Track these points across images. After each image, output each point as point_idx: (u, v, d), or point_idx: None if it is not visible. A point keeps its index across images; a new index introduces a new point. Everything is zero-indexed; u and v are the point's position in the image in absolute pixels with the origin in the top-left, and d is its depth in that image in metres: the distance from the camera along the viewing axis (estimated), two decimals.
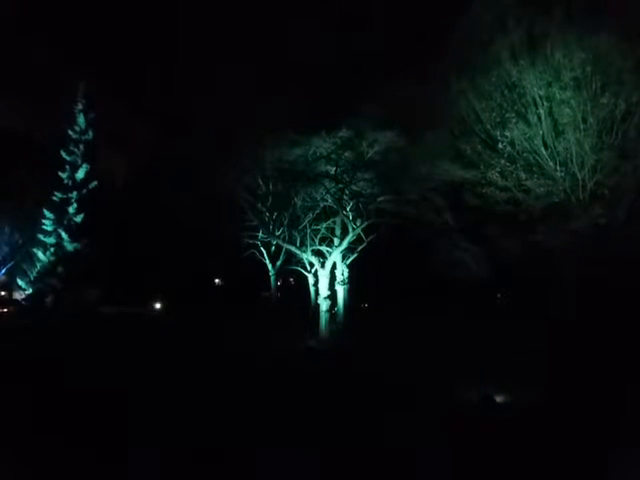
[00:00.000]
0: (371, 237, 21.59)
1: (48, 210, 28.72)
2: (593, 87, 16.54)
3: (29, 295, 28.75)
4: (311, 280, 24.08)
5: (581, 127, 16.83)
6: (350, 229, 20.78)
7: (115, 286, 30.81)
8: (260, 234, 24.74)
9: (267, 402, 9.95)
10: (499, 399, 11.03)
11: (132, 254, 31.28)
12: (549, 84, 16.97)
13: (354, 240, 21.47)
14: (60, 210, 29.15)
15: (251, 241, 25.77)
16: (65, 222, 29.11)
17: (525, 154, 17.84)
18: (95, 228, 29.05)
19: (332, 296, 21.89)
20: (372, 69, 24.34)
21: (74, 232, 29.04)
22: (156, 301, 33.48)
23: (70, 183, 29.70)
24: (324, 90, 22.96)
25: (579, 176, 17.19)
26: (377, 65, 25.16)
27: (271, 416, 8.92)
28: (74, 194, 29.45)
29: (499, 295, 26.28)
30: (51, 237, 28.82)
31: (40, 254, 28.56)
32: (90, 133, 30.48)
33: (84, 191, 29.78)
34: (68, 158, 29.76)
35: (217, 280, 39.08)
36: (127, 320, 25.49)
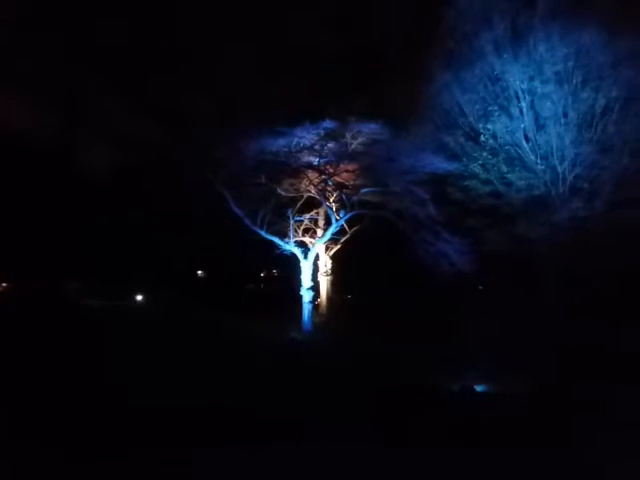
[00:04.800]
0: (354, 229, 21.61)
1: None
2: (574, 82, 16.80)
3: (8, 288, 28.19)
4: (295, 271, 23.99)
5: (562, 121, 17.09)
6: (333, 220, 20.75)
7: (96, 279, 30.38)
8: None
9: (246, 393, 9.92)
10: (479, 388, 11.21)
11: (114, 246, 30.79)
12: (531, 78, 17.17)
13: (337, 231, 21.47)
14: None
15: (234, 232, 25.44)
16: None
17: (507, 147, 18.06)
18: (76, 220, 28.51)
19: (315, 287, 21.91)
20: (357, 62, 24.28)
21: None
22: (138, 293, 33.08)
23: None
24: (309, 83, 22.82)
25: (559, 169, 17.49)
26: (362, 58, 25.11)
27: (251, 409, 8.89)
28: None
29: (480, 287, 26.59)
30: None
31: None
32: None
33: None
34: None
35: (200, 272, 38.77)
36: (108, 313, 25.15)
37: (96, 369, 11.75)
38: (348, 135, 20.30)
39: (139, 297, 33.15)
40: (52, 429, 7.47)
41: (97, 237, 29.86)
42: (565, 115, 17.07)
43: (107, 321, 22.04)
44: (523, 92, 17.42)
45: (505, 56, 17.38)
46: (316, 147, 20.44)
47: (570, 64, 16.62)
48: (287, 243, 21.06)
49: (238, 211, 20.63)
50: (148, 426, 7.65)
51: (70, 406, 8.63)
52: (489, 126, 18.08)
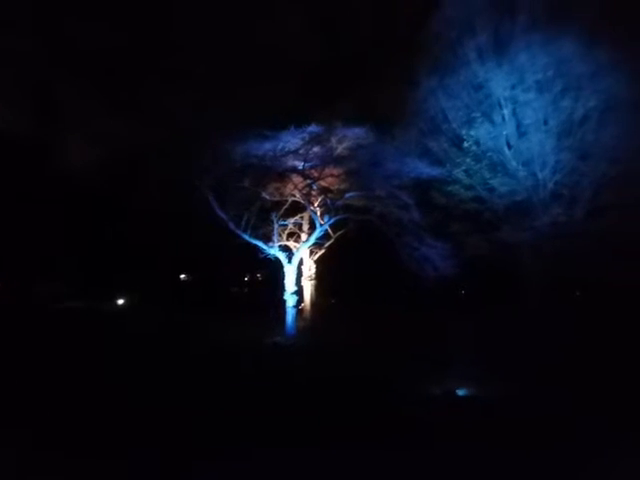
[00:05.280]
0: (339, 233, 21.64)
1: None
2: (554, 91, 17.15)
3: None
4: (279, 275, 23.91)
5: (542, 129, 17.43)
6: (317, 225, 20.74)
7: (77, 280, 29.92)
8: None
9: (228, 397, 9.83)
10: (461, 393, 11.27)
11: (95, 248, 30.37)
12: (513, 86, 17.49)
13: (322, 236, 21.46)
14: None
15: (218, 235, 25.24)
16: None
17: (489, 153, 18.34)
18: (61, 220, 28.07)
19: (299, 292, 21.85)
20: (342, 67, 24.40)
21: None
22: (119, 297, 32.59)
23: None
24: (295, 87, 22.83)
25: (540, 176, 17.81)
26: (347, 63, 25.25)
27: (233, 412, 8.82)
28: None
29: (463, 291, 26.87)
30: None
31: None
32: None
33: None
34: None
35: (183, 275, 38.41)
36: (87, 316, 24.77)
37: (71, 373, 11.55)
38: (333, 139, 20.33)
39: (120, 300, 32.68)
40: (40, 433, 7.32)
41: (79, 238, 29.41)
42: (546, 123, 17.41)
43: (85, 325, 21.68)
44: (505, 100, 17.72)
45: (488, 64, 17.68)
46: (301, 151, 20.39)
47: (550, 73, 16.97)
48: (271, 247, 20.97)
49: (222, 214, 20.49)
50: (122, 432, 7.53)
51: (53, 409, 8.47)
52: (472, 132, 18.35)
